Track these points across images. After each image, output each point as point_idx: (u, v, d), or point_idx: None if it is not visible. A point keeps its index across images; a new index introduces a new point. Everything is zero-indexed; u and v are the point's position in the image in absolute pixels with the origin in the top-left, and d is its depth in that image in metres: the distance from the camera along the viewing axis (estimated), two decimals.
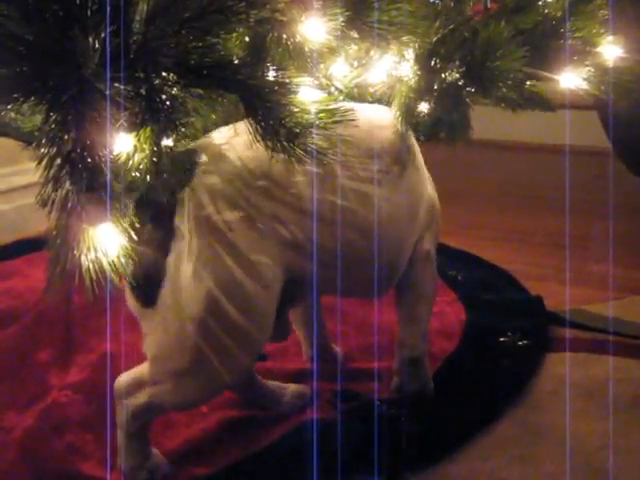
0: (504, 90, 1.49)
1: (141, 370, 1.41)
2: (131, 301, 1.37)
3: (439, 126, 1.51)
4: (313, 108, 0.97)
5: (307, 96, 0.99)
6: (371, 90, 1.48)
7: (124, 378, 1.42)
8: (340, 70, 1.39)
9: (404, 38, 1.21)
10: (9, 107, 0.88)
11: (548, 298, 2.14)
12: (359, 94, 1.48)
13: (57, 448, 1.48)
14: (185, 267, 1.31)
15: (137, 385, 1.40)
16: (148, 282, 1.33)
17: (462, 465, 1.51)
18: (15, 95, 0.87)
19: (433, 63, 1.43)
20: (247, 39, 1.10)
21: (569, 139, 3.01)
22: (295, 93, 0.96)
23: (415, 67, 1.40)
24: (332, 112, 0.97)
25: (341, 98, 1.42)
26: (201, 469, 1.46)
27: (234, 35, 1.02)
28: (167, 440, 1.53)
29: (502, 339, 1.93)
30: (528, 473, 1.48)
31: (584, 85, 1.62)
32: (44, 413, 1.54)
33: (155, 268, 1.32)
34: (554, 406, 1.69)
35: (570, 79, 1.61)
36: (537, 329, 1.99)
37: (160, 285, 1.32)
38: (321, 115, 0.96)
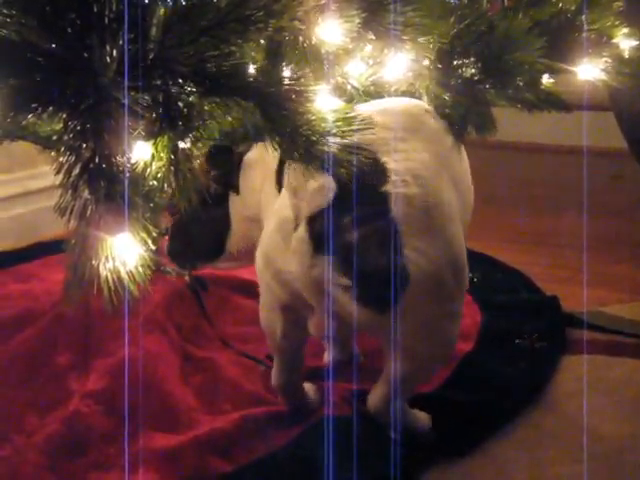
0: (521, 84, 1.48)
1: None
2: (353, 307, 1.36)
3: (465, 122, 1.51)
4: (330, 116, 0.96)
5: (324, 104, 0.99)
6: (390, 88, 1.47)
7: (375, 398, 1.52)
8: (356, 68, 1.38)
9: (421, 39, 1.21)
10: (29, 116, 0.88)
11: (565, 300, 2.13)
12: (376, 92, 1.48)
13: (80, 461, 1.48)
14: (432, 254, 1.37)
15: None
16: (382, 286, 1.34)
17: (478, 466, 1.50)
18: (34, 105, 0.87)
19: (449, 59, 1.42)
20: (263, 42, 1.10)
21: (586, 140, 3.00)
22: (312, 101, 0.96)
23: (434, 62, 1.40)
24: (350, 120, 0.97)
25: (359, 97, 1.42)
26: (226, 465, 1.48)
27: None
28: (190, 439, 1.53)
29: (518, 341, 1.92)
30: (545, 475, 1.48)
31: (601, 76, 1.61)
32: (66, 423, 1.55)
33: (389, 272, 1.33)
34: (571, 408, 1.69)
35: (587, 71, 1.60)
36: (554, 331, 1.98)
37: (404, 286, 1.34)
38: (338, 123, 0.96)
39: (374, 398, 1.53)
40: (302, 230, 1.36)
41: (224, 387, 1.71)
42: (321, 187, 1.34)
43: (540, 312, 2.07)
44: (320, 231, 1.34)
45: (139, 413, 1.54)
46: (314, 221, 1.35)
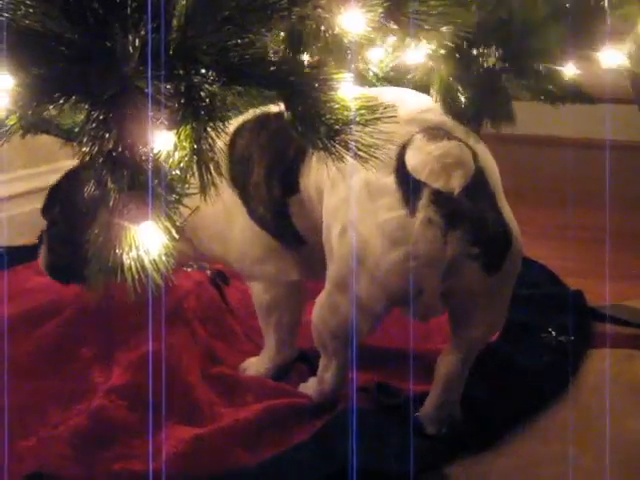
0: (541, 71, 1.47)
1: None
2: (476, 274, 1.42)
3: (482, 112, 1.49)
4: (353, 104, 0.96)
5: (347, 92, 0.98)
6: (409, 76, 1.46)
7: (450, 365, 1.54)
8: (376, 54, 1.37)
9: (444, 28, 1.19)
10: (51, 107, 0.88)
11: (588, 294, 2.11)
12: (395, 78, 1.47)
13: (104, 454, 1.49)
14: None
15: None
16: (499, 249, 1.44)
17: (502, 460, 1.50)
18: (57, 94, 0.87)
19: (469, 47, 1.40)
20: (285, 32, 1.09)
21: (610, 134, 2.97)
22: (335, 89, 0.96)
23: (452, 52, 1.38)
24: (373, 108, 0.96)
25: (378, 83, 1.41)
26: (249, 457, 1.48)
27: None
28: (213, 428, 1.54)
29: (543, 335, 1.91)
30: (568, 469, 1.47)
31: (624, 63, 1.59)
32: (91, 416, 1.56)
33: (504, 234, 1.44)
34: (595, 402, 1.68)
35: (610, 57, 1.57)
36: (578, 325, 1.97)
37: (508, 249, 1.45)
38: (361, 111, 0.95)
39: (449, 365, 1.55)
40: (427, 212, 1.39)
41: (246, 379, 1.72)
42: (452, 165, 1.39)
43: (564, 306, 2.06)
44: (447, 208, 1.38)
45: (163, 407, 1.55)
46: (438, 200, 1.38)
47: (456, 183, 1.38)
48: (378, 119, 0.95)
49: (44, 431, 1.54)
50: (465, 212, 1.39)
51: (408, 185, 1.40)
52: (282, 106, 0.99)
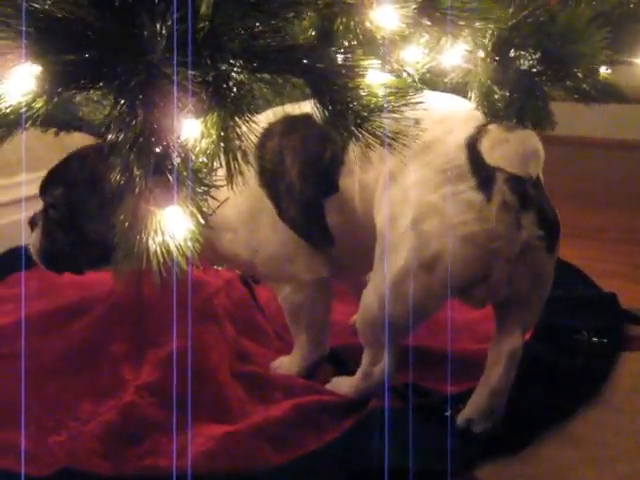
0: (580, 75, 1.46)
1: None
2: (543, 256, 1.50)
3: (523, 115, 1.49)
4: (381, 91, 0.95)
5: (375, 79, 0.97)
6: (445, 80, 1.46)
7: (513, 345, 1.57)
8: (412, 55, 1.37)
9: (477, 24, 1.19)
10: (77, 94, 0.89)
11: (621, 295, 2.09)
12: (431, 80, 1.47)
13: (134, 450, 1.50)
14: None
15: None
16: (555, 232, 1.52)
17: (534, 464, 1.48)
18: (83, 81, 0.87)
19: (506, 49, 1.40)
20: (315, 21, 1.09)
21: None
22: (363, 76, 0.95)
23: (491, 53, 1.38)
24: (401, 95, 0.95)
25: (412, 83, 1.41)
26: (278, 456, 1.48)
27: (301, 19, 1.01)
28: (243, 426, 1.54)
29: (576, 337, 1.89)
30: (601, 474, 1.45)
31: None
32: (122, 413, 1.56)
33: (556, 218, 1.52)
34: (629, 405, 1.66)
35: None
36: (612, 327, 1.95)
37: (559, 233, 1.53)
38: (390, 98, 0.95)
39: (514, 346, 1.57)
40: (504, 196, 1.44)
41: (276, 377, 1.72)
42: (530, 152, 1.45)
43: (598, 308, 2.04)
44: (519, 193, 1.44)
45: (192, 404, 1.55)
46: (511, 185, 1.44)
47: (533, 169, 1.45)
48: (406, 105, 0.94)
49: (75, 426, 1.55)
50: (532, 196, 1.45)
51: (480, 173, 1.45)
52: (311, 101, 0.99)
